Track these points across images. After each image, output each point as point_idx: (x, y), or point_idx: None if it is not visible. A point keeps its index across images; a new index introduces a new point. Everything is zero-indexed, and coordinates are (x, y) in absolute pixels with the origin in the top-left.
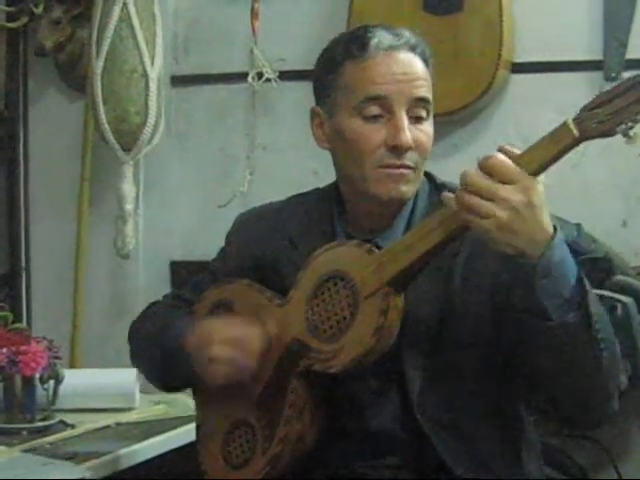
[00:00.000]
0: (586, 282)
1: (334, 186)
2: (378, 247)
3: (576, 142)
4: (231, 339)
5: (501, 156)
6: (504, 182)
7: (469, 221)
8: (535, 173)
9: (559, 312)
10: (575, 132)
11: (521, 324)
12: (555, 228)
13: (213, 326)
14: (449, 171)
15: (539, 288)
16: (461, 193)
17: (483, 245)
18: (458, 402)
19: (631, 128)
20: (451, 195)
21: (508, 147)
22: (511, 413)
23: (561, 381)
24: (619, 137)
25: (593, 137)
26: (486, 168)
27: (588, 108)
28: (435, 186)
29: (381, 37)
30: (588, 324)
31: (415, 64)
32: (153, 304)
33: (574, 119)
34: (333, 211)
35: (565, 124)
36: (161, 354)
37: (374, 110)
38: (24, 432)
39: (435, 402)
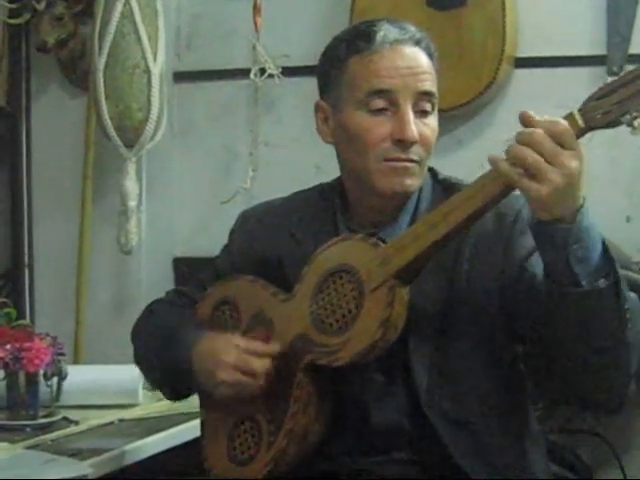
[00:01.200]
0: (611, 252)
1: (338, 181)
2: (382, 241)
3: (581, 133)
4: (237, 363)
5: (565, 123)
6: (565, 148)
7: (520, 183)
8: None
9: (589, 278)
10: (580, 122)
11: (551, 294)
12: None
13: (219, 347)
14: (453, 166)
15: (571, 253)
16: (522, 149)
17: (488, 237)
18: (466, 396)
19: (636, 118)
20: (500, 157)
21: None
22: (517, 408)
23: (585, 355)
24: (623, 132)
25: (598, 127)
26: (555, 133)
27: (593, 99)
28: (437, 181)
29: (387, 31)
30: (617, 291)
31: (420, 58)
32: (155, 302)
33: (579, 110)
34: (336, 206)
35: (570, 115)
36: (166, 367)
37: (379, 104)
38: (27, 429)
39: (443, 396)
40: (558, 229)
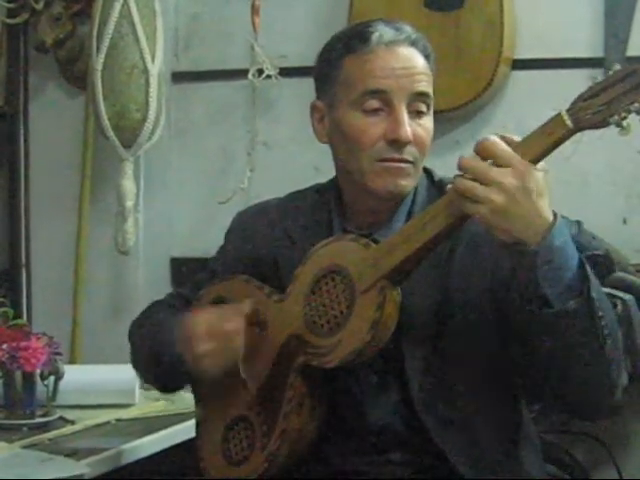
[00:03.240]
0: (588, 269)
1: (333, 182)
2: (376, 241)
3: (570, 133)
4: (210, 330)
5: (495, 138)
6: (499, 165)
7: (465, 207)
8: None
9: (560, 299)
10: (569, 123)
11: (522, 313)
12: (555, 215)
13: (193, 321)
14: (450, 167)
15: (540, 275)
16: (458, 179)
17: (482, 238)
18: (459, 397)
19: (624, 118)
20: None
21: (508, 135)
22: (511, 408)
23: (564, 369)
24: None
25: (587, 128)
26: (480, 151)
27: (581, 99)
28: (433, 182)
29: (382, 31)
30: (590, 311)
31: (416, 59)
32: (154, 303)
33: (568, 110)
34: (331, 207)
35: (559, 115)
36: (156, 356)
37: (374, 104)
38: (24, 428)
39: (436, 397)
40: (525, 251)
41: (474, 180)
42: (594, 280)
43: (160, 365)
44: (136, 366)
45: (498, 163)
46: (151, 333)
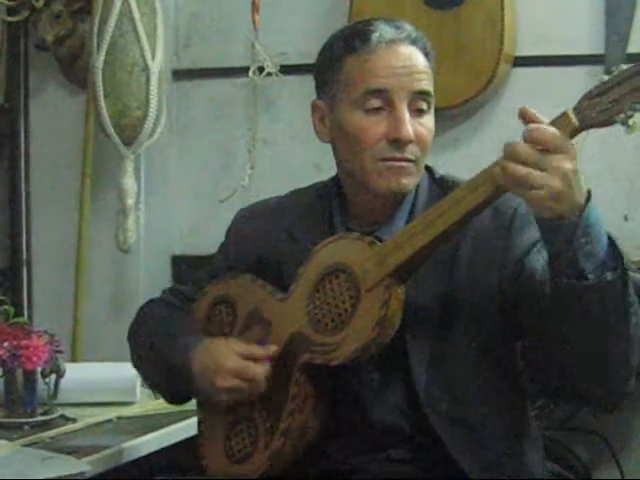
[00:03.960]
0: (619, 245)
1: (334, 180)
2: (379, 240)
3: (576, 131)
4: (236, 370)
5: (552, 128)
6: (553, 152)
7: (517, 193)
8: None
9: (596, 272)
10: (575, 121)
11: (555, 288)
12: (589, 190)
13: (218, 353)
14: (451, 165)
15: (578, 248)
16: (509, 164)
17: (487, 234)
18: (464, 394)
19: (630, 117)
20: (497, 170)
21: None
22: (515, 406)
23: (587, 350)
24: (621, 131)
25: (593, 126)
26: (536, 139)
27: (587, 97)
28: (434, 179)
29: (382, 30)
30: (623, 284)
31: (416, 57)
32: (150, 302)
33: (574, 108)
34: (333, 205)
35: (565, 113)
36: (163, 371)
37: (375, 103)
38: (25, 426)
39: (441, 394)
40: (564, 224)
41: (529, 166)
42: (626, 257)
43: (168, 379)
44: (138, 370)
45: (555, 150)
46: (156, 339)
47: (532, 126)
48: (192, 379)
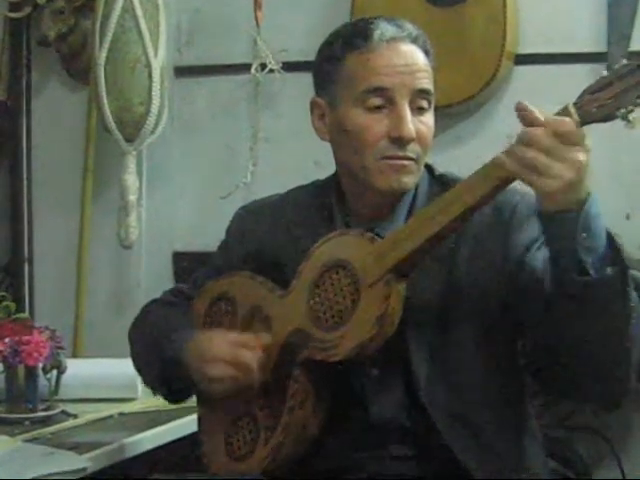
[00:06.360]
0: (618, 241)
1: (334, 177)
2: (380, 237)
3: (577, 127)
4: (228, 357)
5: (571, 121)
6: (573, 144)
7: (531, 180)
8: None
9: (597, 267)
10: (576, 116)
11: (557, 284)
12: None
13: (208, 343)
14: (452, 163)
15: (579, 243)
16: (527, 150)
17: (487, 231)
18: (464, 390)
19: (631, 112)
20: (505, 157)
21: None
22: (516, 402)
23: (587, 346)
24: (622, 127)
25: (593, 121)
26: (559, 130)
27: (588, 92)
28: (434, 177)
29: (383, 29)
30: (623, 280)
31: (417, 55)
32: (152, 302)
33: (574, 103)
34: (333, 202)
35: (566, 109)
36: (161, 368)
37: (376, 101)
38: (26, 422)
39: (441, 390)
40: (566, 218)
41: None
42: (625, 252)
43: (164, 373)
44: (137, 366)
45: (571, 140)
46: (155, 339)
47: (551, 117)
48: (187, 373)
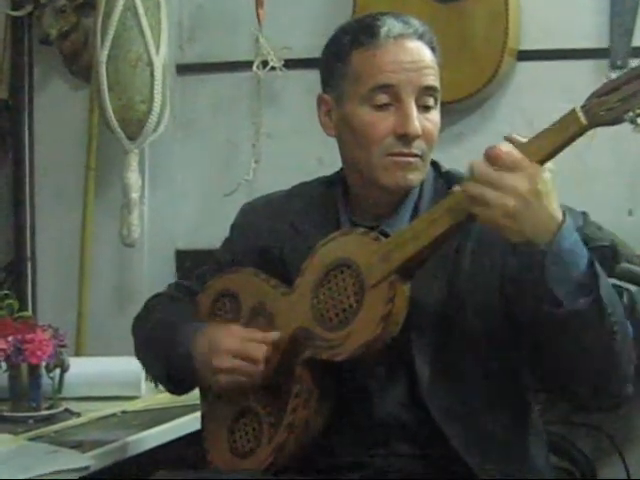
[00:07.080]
0: (597, 266)
1: (339, 174)
2: (384, 234)
3: (584, 130)
4: (234, 349)
5: (505, 145)
6: (510, 170)
7: (475, 211)
8: (542, 161)
9: (569, 298)
10: (583, 120)
11: (533, 311)
12: (564, 214)
13: (216, 335)
14: (455, 159)
15: (549, 275)
16: (468, 184)
17: (491, 234)
18: (467, 389)
19: (639, 115)
20: (458, 188)
21: (514, 135)
22: (519, 400)
23: (576, 365)
24: (625, 126)
25: (601, 125)
26: (491, 157)
27: (596, 95)
28: (440, 174)
29: (390, 25)
30: (599, 309)
31: (424, 52)
32: (155, 296)
33: (582, 107)
34: (338, 199)
35: (573, 112)
36: (166, 361)
37: (383, 99)
38: (30, 420)
39: (445, 390)
40: (534, 251)
41: (484, 185)
42: (603, 278)
43: (170, 369)
44: (142, 363)
45: (509, 168)
46: (159, 331)
47: (490, 145)
48: (193, 366)
